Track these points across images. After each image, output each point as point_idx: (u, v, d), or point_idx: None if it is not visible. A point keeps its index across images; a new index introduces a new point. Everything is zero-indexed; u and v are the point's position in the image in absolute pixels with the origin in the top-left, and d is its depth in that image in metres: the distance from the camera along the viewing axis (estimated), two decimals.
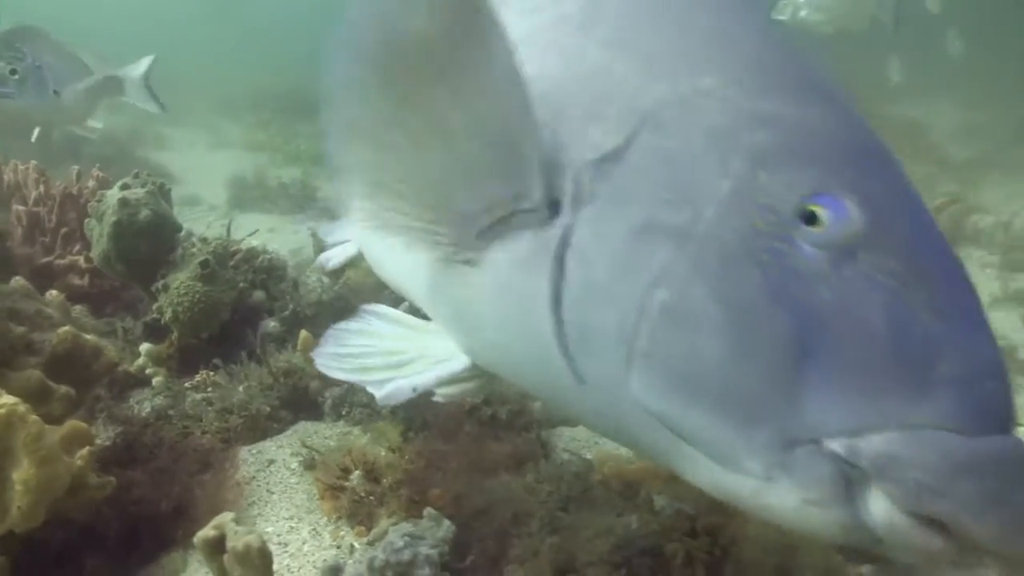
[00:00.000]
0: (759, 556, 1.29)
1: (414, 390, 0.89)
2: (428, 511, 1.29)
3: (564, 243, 0.70)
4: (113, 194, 2.03)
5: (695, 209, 0.64)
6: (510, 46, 0.70)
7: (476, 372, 0.92)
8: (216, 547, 1.01)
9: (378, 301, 2.50)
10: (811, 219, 0.62)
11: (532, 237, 0.73)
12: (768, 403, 0.60)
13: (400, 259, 0.99)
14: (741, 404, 0.61)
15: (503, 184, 0.73)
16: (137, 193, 2.01)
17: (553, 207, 0.72)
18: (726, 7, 0.78)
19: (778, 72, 0.73)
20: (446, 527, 1.27)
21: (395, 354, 0.94)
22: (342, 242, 1.49)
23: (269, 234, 3.89)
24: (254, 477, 1.62)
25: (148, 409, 1.77)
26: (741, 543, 1.29)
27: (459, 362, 0.91)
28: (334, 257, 1.43)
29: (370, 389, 0.91)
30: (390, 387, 0.90)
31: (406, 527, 1.20)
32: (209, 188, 4.86)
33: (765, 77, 0.71)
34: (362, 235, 1.17)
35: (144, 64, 3.06)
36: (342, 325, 1.02)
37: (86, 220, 2.09)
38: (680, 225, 0.64)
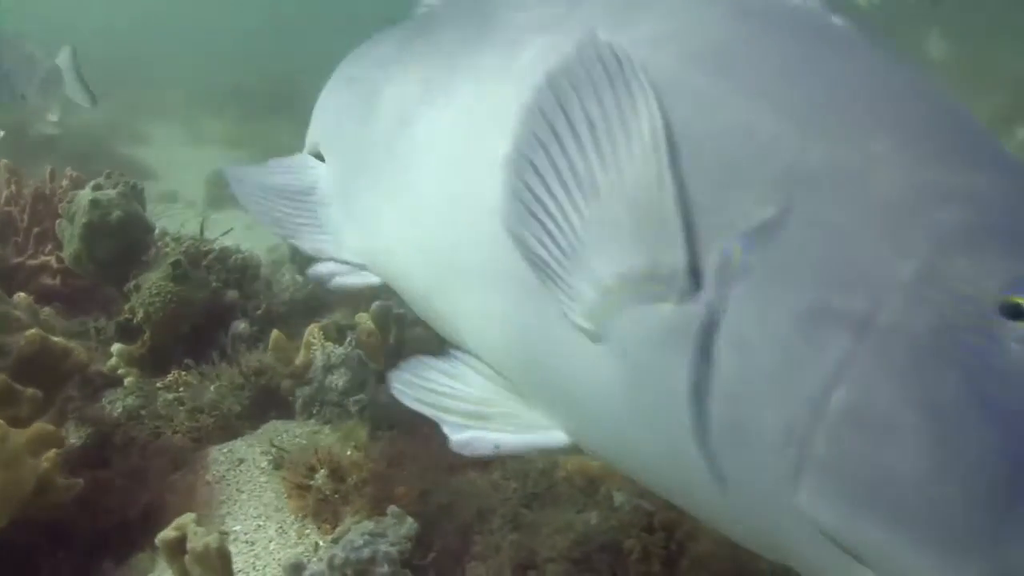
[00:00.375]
0: (714, 549, 1.33)
1: (496, 448, 0.82)
2: (391, 509, 1.32)
3: (712, 323, 0.62)
4: (84, 195, 2.04)
5: (874, 294, 0.56)
6: (657, 106, 0.65)
7: (572, 449, 0.84)
8: (177, 548, 1.04)
9: (355, 301, 2.53)
10: (1014, 312, 0.53)
11: (671, 312, 0.64)
12: (976, 527, 0.51)
13: (486, 312, 0.87)
14: (941, 526, 0.52)
15: (640, 247, 0.66)
16: (108, 194, 2.02)
17: (695, 279, 0.64)
18: (878, 53, 0.70)
19: (953, 135, 0.64)
20: (409, 525, 1.30)
21: (478, 404, 0.87)
22: (331, 258, 1.22)
23: (247, 231, 3.89)
24: (224, 476, 1.64)
25: (120, 409, 1.79)
26: (697, 537, 1.33)
27: (555, 438, 0.81)
28: (340, 275, 1.19)
29: (445, 429, 0.85)
30: (470, 435, 0.83)
31: (368, 525, 1.23)
32: (187, 184, 4.86)
33: (940, 141, 0.63)
34: (411, 268, 1.01)
35: (68, 53, 2.91)
36: (426, 359, 0.94)
37: (57, 221, 2.10)
38: (858, 312, 0.56)
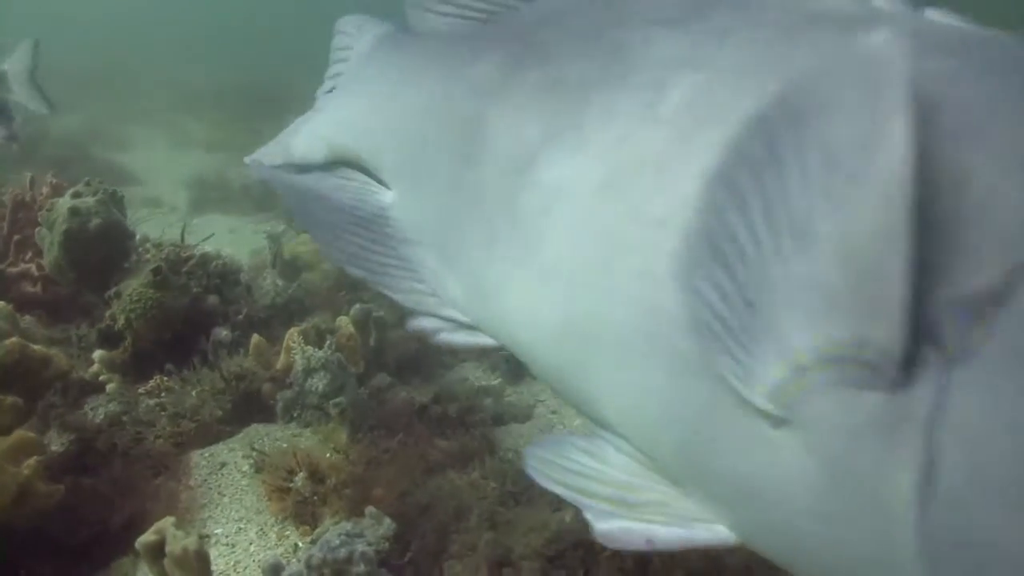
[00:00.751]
0: None
1: (649, 542, 0.72)
2: (369, 510, 1.35)
3: (936, 414, 0.53)
4: (64, 203, 2.05)
5: None
6: (914, 136, 0.52)
7: (737, 546, 0.74)
8: (157, 551, 1.06)
9: (336, 305, 2.55)
10: None
11: (881, 399, 0.55)
12: None
13: (635, 389, 0.76)
14: None
15: (848, 318, 0.55)
16: (87, 202, 2.04)
17: (909, 360, 0.55)
18: None
19: None
20: (386, 525, 1.33)
21: (625, 489, 0.77)
22: (432, 313, 1.06)
23: (230, 235, 3.91)
24: (206, 480, 1.66)
25: (102, 416, 1.80)
26: None
27: (717, 534, 0.71)
28: (446, 332, 1.05)
29: (588, 516, 0.75)
30: (618, 525, 0.73)
31: (346, 526, 1.26)
32: (170, 189, 4.85)
33: None
34: (539, 336, 0.88)
35: (26, 52, 2.53)
36: (567, 437, 0.83)
37: (37, 229, 2.11)
38: None
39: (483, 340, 0.99)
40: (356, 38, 1.29)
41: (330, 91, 1.31)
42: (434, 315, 1.02)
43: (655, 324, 0.68)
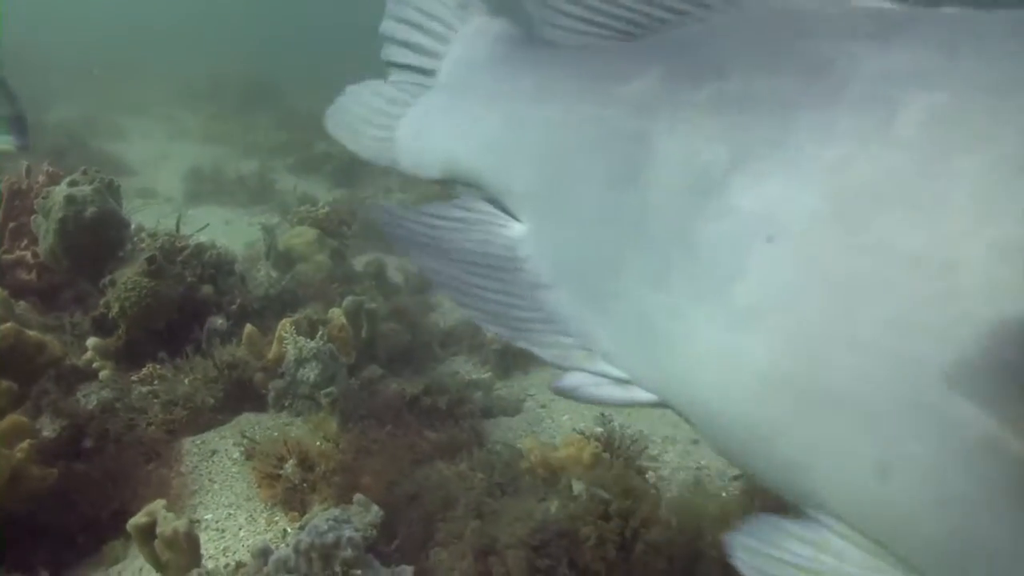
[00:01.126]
0: (669, 536, 1.39)
1: None
2: (357, 497, 1.37)
3: None
4: (60, 191, 2.07)
5: None
6: None
7: None
8: (148, 533, 1.08)
9: (328, 296, 2.57)
10: None
11: None
12: None
13: (888, 464, 0.63)
14: None
15: None
16: (84, 190, 2.05)
17: None
18: None
19: None
20: (374, 512, 1.35)
21: None
22: (581, 368, 0.91)
23: (225, 226, 3.93)
24: (197, 467, 1.68)
25: (94, 402, 1.82)
26: (651, 525, 1.38)
27: None
28: (594, 387, 0.90)
29: None
30: None
31: (334, 512, 1.27)
32: (165, 180, 4.86)
33: None
34: (734, 394, 0.75)
35: None
36: (780, 522, 0.73)
37: (33, 217, 2.12)
38: None
39: (639, 396, 0.87)
40: (453, 13, 1.11)
41: (403, 66, 1.14)
42: (583, 370, 0.89)
43: (914, 383, 0.57)
